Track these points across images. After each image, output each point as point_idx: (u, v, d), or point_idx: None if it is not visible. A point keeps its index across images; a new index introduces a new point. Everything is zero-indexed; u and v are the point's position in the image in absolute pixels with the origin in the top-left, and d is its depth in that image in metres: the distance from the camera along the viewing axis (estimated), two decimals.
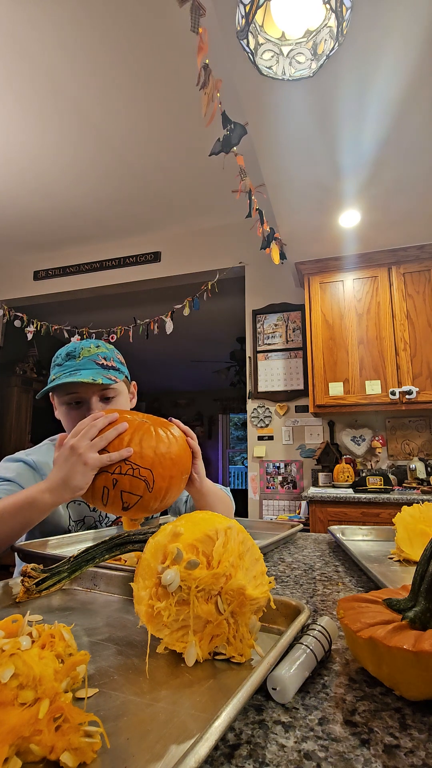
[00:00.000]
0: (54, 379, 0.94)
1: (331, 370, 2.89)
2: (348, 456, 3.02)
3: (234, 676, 0.39)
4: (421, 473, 2.73)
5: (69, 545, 0.86)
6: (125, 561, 0.67)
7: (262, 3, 1.09)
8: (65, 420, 0.97)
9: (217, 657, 0.41)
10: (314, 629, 0.42)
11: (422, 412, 2.95)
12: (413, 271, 2.86)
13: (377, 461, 3.01)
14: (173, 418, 0.83)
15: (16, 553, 0.79)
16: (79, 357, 0.95)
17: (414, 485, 2.63)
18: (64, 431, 0.99)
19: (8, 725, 0.26)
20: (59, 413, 0.99)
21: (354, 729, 0.32)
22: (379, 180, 2.21)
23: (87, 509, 1.02)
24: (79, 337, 3.99)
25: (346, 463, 2.85)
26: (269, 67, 1.21)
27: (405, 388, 2.69)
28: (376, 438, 3.02)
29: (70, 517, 0.98)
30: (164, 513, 1.20)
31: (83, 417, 0.86)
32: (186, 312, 3.54)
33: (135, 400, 1.09)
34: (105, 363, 0.96)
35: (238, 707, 0.29)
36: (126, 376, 1.03)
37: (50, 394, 1.00)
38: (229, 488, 1.24)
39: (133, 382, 1.09)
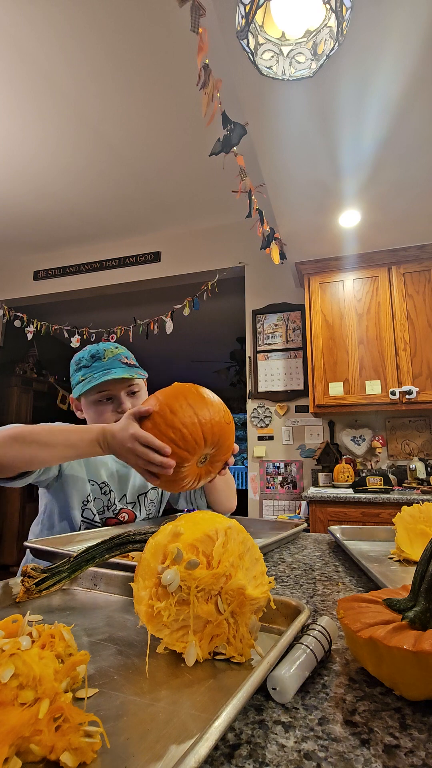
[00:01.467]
0: (83, 380, 1.05)
1: (331, 370, 2.89)
2: (348, 456, 3.02)
3: (234, 676, 0.39)
4: (421, 473, 2.73)
5: (81, 543, 0.87)
6: (132, 558, 0.67)
7: (262, 3, 1.09)
8: (97, 416, 1.06)
9: (217, 657, 0.41)
10: (314, 629, 0.42)
11: (422, 412, 2.95)
12: (413, 271, 2.86)
13: (377, 461, 3.01)
14: None
15: (27, 550, 0.80)
16: (105, 358, 1.07)
17: (414, 485, 2.63)
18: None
19: (8, 725, 0.26)
20: (88, 412, 1.08)
21: (354, 729, 0.32)
22: (379, 180, 2.21)
23: (98, 492, 1.08)
24: (79, 338, 3.98)
25: (346, 463, 2.85)
26: (269, 67, 1.21)
27: (405, 388, 2.69)
28: (376, 438, 3.02)
29: (90, 481, 1.06)
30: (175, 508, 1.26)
31: (115, 411, 1.04)
32: (186, 312, 3.54)
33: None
34: (128, 362, 1.10)
35: (238, 707, 0.29)
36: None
37: (72, 397, 1.11)
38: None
39: (145, 377, 1.18)
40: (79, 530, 1.03)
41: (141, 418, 0.77)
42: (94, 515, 1.07)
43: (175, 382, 0.84)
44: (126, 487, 1.14)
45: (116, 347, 1.11)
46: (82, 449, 0.80)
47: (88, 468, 1.09)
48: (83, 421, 1.11)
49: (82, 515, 1.05)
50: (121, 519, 1.11)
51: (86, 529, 1.04)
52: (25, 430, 0.81)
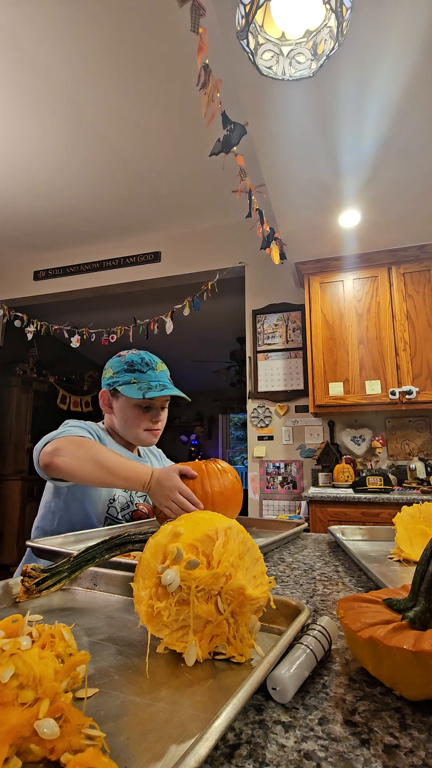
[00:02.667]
0: (135, 383, 1.12)
1: (331, 370, 2.89)
2: (348, 456, 3.02)
3: (234, 676, 0.39)
4: (421, 473, 2.73)
5: (81, 543, 0.87)
6: (134, 557, 0.67)
7: (262, 3, 1.09)
8: (133, 419, 1.15)
9: (217, 657, 0.41)
10: (314, 629, 0.42)
11: (422, 412, 2.95)
12: (413, 271, 2.86)
13: (377, 461, 3.01)
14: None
15: (29, 549, 0.82)
16: (156, 370, 1.17)
17: (414, 485, 2.63)
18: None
19: (8, 725, 0.26)
20: (124, 412, 1.16)
21: (354, 729, 0.32)
22: (379, 180, 2.21)
23: (118, 489, 1.13)
24: (79, 338, 3.98)
25: (346, 463, 2.85)
26: (269, 67, 1.21)
27: (405, 388, 2.69)
28: (376, 438, 3.02)
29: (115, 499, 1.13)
30: None
31: (151, 419, 1.16)
32: (186, 312, 3.54)
33: None
34: (170, 379, 1.20)
35: (238, 707, 0.29)
36: None
37: (107, 390, 1.18)
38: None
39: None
40: (104, 526, 1.08)
41: (182, 476, 0.92)
42: (118, 513, 1.12)
43: (202, 461, 1.00)
44: None
45: (162, 362, 1.22)
46: (132, 485, 0.92)
47: None
48: (80, 416, 1.16)
49: (107, 512, 1.10)
50: (142, 510, 1.17)
51: (109, 525, 1.09)
52: (103, 456, 0.93)
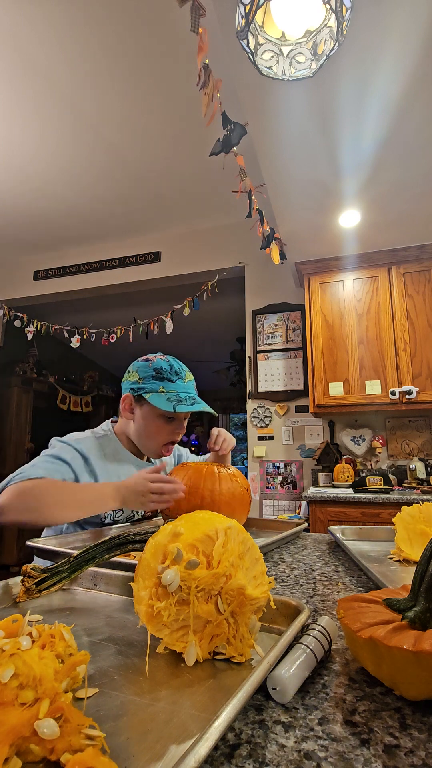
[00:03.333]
0: (164, 392, 1.07)
1: (331, 370, 2.89)
2: (348, 456, 3.02)
3: (234, 676, 0.39)
4: (421, 473, 2.73)
5: (82, 543, 0.87)
6: (134, 557, 0.67)
7: (262, 3, 1.09)
8: (156, 429, 1.11)
9: (217, 657, 0.41)
10: (314, 629, 0.42)
11: (422, 412, 2.95)
12: (413, 271, 2.86)
13: (377, 461, 3.01)
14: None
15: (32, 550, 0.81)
16: (185, 379, 1.13)
17: (414, 485, 2.63)
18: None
19: (8, 725, 0.26)
20: (147, 420, 1.11)
21: (354, 729, 0.32)
22: (379, 180, 2.21)
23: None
24: (79, 338, 3.98)
25: (346, 463, 2.85)
26: (269, 67, 1.21)
27: (405, 388, 2.68)
28: (376, 438, 3.02)
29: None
30: None
31: (173, 430, 1.12)
32: (186, 312, 3.54)
33: None
34: (196, 390, 1.16)
35: (238, 707, 0.29)
36: None
37: (130, 395, 1.12)
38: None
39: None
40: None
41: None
42: (119, 516, 1.09)
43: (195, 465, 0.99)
44: None
45: (189, 371, 1.18)
46: (100, 509, 0.89)
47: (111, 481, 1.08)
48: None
49: (105, 519, 1.07)
50: (149, 517, 1.14)
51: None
52: (56, 499, 0.88)
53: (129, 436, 1.16)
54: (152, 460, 1.25)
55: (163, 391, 1.07)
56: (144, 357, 1.14)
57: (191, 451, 1.45)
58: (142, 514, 1.14)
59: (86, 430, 1.18)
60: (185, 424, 1.15)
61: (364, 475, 2.53)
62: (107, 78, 2.27)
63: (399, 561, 0.79)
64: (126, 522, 1.09)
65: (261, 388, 3.39)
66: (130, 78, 2.27)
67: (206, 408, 1.09)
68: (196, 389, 1.17)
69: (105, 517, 1.07)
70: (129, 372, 1.14)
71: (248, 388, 3.44)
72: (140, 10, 1.92)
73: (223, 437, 1.17)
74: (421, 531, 0.78)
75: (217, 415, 1.17)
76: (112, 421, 1.22)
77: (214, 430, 1.15)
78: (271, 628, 0.48)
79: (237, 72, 1.58)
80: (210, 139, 2.47)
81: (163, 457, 1.26)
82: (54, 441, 1.08)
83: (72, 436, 1.10)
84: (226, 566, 0.41)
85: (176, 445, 1.34)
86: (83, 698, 0.34)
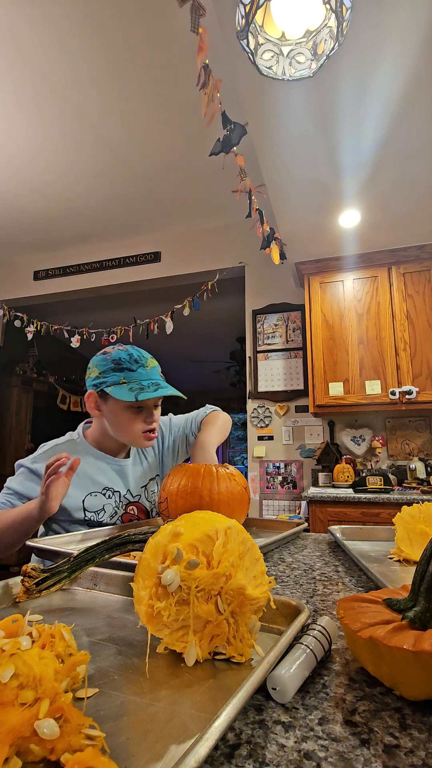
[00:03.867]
0: (125, 383, 1.04)
1: (331, 370, 2.89)
2: (348, 456, 3.02)
3: (234, 676, 0.39)
4: (421, 473, 2.73)
5: (85, 542, 0.87)
6: (134, 557, 0.67)
7: (262, 3, 1.09)
8: (126, 422, 1.07)
9: (217, 657, 0.41)
10: (314, 629, 0.42)
11: (422, 412, 2.95)
12: (413, 271, 2.86)
13: (377, 461, 3.01)
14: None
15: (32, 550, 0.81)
16: (147, 366, 1.08)
17: (414, 485, 2.63)
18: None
19: (8, 725, 0.26)
20: (115, 414, 1.08)
21: (354, 729, 0.32)
22: (379, 180, 2.21)
23: (104, 498, 1.08)
24: (79, 338, 3.98)
25: (346, 463, 2.85)
26: (269, 67, 1.21)
27: (405, 388, 2.69)
28: (376, 438, 3.02)
29: (85, 509, 1.05)
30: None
31: (145, 419, 1.07)
32: (186, 312, 3.54)
33: None
34: (162, 375, 1.12)
35: (238, 707, 0.29)
36: None
37: (94, 391, 1.09)
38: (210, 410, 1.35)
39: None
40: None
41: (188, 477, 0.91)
42: (107, 521, 1.08)
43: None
44: (128, 482, 1.16)
45: (152, 357, 1.13)
46: (33, 518, 0.90)
47: (84, 485, 1.07)
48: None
49: (93, 523, 1.06)
50: (131, 512, 1.13)
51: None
52: None
53: (104, 435, 1.13)
54: (142, 453, 1.23)
55: (124, 382, 1.04)
56: (102, 351, 1.11)
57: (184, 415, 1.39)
58: (123, 511, 1.12)
59: (61, 437, 1.17)
60: (157, 412, 1.11)
61: (364, 475, 2.53)
62: (107, 78, 2.27)
63: (399, 561, 0.79)
64: (111, 521, 1.08)
65: (261, 388, 3.39)
66: (131, 78, 2.27)
67: (172, 392, 1.06)
68: (164, 375, 1.13)
69: (87, 519, 1.05)
70: (89, 369, 1.11)
71: (248, 388, 3.44)
72: (140, 10, 1.92)
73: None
74: (421, 531, 0.78)
75: (186, 398, 1.12)
76: (86, 423, 1.20)
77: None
78: (271, 628, 0.48)
79: (237, 72, 1.58)
80: (210, 139, 2.47)
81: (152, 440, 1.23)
82: (17, 465, 1.08)
83: (37, 454, 1.10)
84: (226, 566, 0.41)
85: (162, 420, 1.30)
86: (83, 698, 0.34)
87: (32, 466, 1.04)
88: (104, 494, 1.09)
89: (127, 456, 1.20)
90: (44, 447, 1.12)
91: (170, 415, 1.34)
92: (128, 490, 1.15)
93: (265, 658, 0.36)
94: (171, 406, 9.18)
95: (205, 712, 0.33)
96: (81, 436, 1.16)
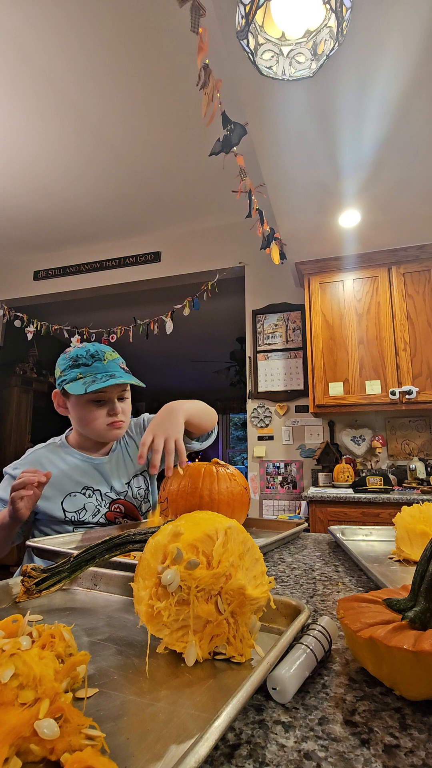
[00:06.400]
0: (81, 378, 1.05)
1: (331, 370, 2.89)
2: (348, 456, 3.02)
3: (234, 676, 0.39)
4: (421, 473, 2.73)
5: (84, 542, 0.87)
6: (134, 557, 0.67)
7: (262, 3, 1.09)
8: (89, 416, 1.08)
9: (217, 657, 0.41)
10: (314, 629, 0.42)
11: (422, 412, 2.95)
12: (413, 271, 2.86)
13: (377, 461, 3.01)
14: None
15: (30, 550, 0.82)
16: (105, 360, 1.08)
17: (414, 485, 2.63)
18: (67, 427, 1.21)
19: (8, 725, 0.26)
20: (78, 410, 1.09)
21: (354, 729, 0.32)
22: (379, 180, 2.21)
23: (83, 498, 1.08)
24: (79, 338, 3.98)
25: (346, 463, 2.85)
26: (269, 67, 1.21)
27: (405, 388, 2.69)
28: (376, 438, 3.02)
29: (64, 510, 1.06)
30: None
31: (107, 413, 1.08)
32: (186, 312, 3.54)
33: None
34: (123, 368, 1.12)
35: (238, 707, 0.29)
36: None
37: (58, 390, 1.12)
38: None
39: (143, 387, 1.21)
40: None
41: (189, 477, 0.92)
42: (90, 520, 1.08)
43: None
44: (109, 479, 1.14)
45: (113, 351, 1.13)
46: (7, 532, 0.95)
47: (62, 487, 1.07)
48: (63, 418, 1.15)
49: (78, 521, 1.06)
50: (116, 510, 1.12)
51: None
52: None
53: (80, 434, 1.15)
54: (125, 449, 1.22)
55: (81, 377, 1.05)
56: (64, 350, 1.14)
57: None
58: (107, 509, 1.11)
59: (45, 442, 1.19)
60: (122, 404, 1.10)
61: (364, 475, 2.53)
62: (108, 78, 2.27)
63: (399, 561, 0.79)
64: (93, 520, 1.08)
65: (261, 388, 3.39)
66: (131, 78, 2.27)
67: (126, 380, 1.05)
68: (127, 368, 1.13)
69: (68, 519, 1.06)
70: (56, 369, 1.14)
71: (248, 388, 3.44)
72: (141, 10, 1.92)
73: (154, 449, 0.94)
74: (421, 531, 0.78)
75: (144, 385, 1.13)
76: (69, 432, 1.22)
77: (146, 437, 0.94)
78: (271, 628, 0.48)
79: (237, 72, 1.58)
80: (210, 139, 2.47)
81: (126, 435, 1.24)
82: (4, 471, 1.11)
83: (20, 460, 1.13)
84: (226, 566, 0.41)
85: (143, 421, 1.28)
86: (83, 698, 0.34)
87: (13, 473, 1.08)
88: (83, 494, 1.09)
89: (107, 453, 1.19)
90: (28, 452, 1.16)
91: (146, 414, 1.32)
92: (111, 487, 1.14)
93: (265, 658, 0.36)
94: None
95: (205, 712, 0.32)
96: (63, 440, 1.18)
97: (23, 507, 0.88)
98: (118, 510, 1.13)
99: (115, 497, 1.13)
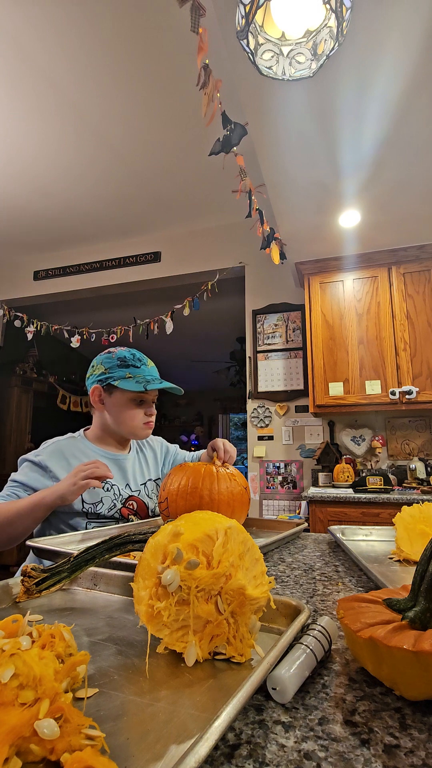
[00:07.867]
0: (131, 377, 1.14)
1: (331, 370, 2.89)
2: (348, 456, 3.02)
3: (234, 676, 0.39)
4: (421, 473, 2.73)
5: (82, 543, 0.87)
6: (134, 557, 0.67)
7: (262, 3, 1.09)
8: (129, 413, 1.17)
9: (217, 657, 0.41)
10: (314, 629, 0.42)
11: (422, 412, 2.95)
12: (413, 271, 2.86)
13: (377, 461, 3.01)
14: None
15: (31, 550, 0.82)
16: (148, 365, 1.20)
17: (414, 485, 2.63)
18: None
19: (8, 725, 0.26)
20: (119, 406, 1.17)
21: (354, 729, 0.32)
22: (379, 180, 2.21)
23: (102, 491, 1.12)
24: (79, 338, 3.98)
25: (346, 463, 2.85)
26: (269, 67, 1.21)
27: (405, 388, 2.68)
28: (376, 438, 3.02)
29: (83, 501, 1.09)
30: None
31: (144, 412, 1.18)
32: (186, 312, 3.54)
33: None
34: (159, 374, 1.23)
35: (238, 707, 0.29)
36: None
37: (99, 384, 1.18)
38: None
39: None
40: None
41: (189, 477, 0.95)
42: (105, 513, 1.10)
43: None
44: (126, 476, 1.20)
45: (149, 359, 1.24)
46: (43, 507, 0.96)
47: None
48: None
49: (93, 515, 1.08)
50: (130, 507, 1.15)
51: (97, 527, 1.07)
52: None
53: (104, 430, 1.21)
54: (142, 452, 1.30)
55: (130, 377, 1.15)
56: (106, 351, 1.22)
57: (191, 452, 1.46)
58: (122, 505, 1.14)
59: (62, 436, 1.23)
60: (154, 407, 1.22)
61: (364, 475, 2.53)
62: (108, 79, 2.27)
63: (399, 561, 0.79)
64: (109, 514, 1.10)
65: (261, 388, 3.39)
66: (131, 78, 2.27)
67: (173, 386, 1.17)
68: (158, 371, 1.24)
69: (86, 510, 1.08)
70: (93, 366, 1.21)
71: (248, 388, 3.44)
72: (141, 10, 1.92)
73: (228, 452, 1.18)
74: (421, 531, 0.78)
75: (182, 391, 1.23)
76: (85, 429, 1.27)
77: (218, 444, 1.16)
78: (271, 628, 0.48)
79: (237, 72, 1.58)
80: (210, 139, 2.47)
81: (152, 443, 1.34)
82: (20, 460, 1.14)
83: (40, 449, 1.16)
84: (226, 566, 0.41)
85: (165, 442, 1.41)
86: (83, 698, 0.34)
87: (36, 459, 1.10)
88: (103, 487, 1.12)
89: (127, 452, 1.26)
90: (46, 443, 1.18)
91: (176, 446, 1.45)
92: (127, 484, 1.19)
93: (265, 658, 0.36)
94: (172, 406, 9.19)
95: (205, 712, 0.32)
96: (81, 435, 1.23)
97: (78, 491, 0.93)
98: (131, 507, 1.16)
99: (129, 494, 1.18)
